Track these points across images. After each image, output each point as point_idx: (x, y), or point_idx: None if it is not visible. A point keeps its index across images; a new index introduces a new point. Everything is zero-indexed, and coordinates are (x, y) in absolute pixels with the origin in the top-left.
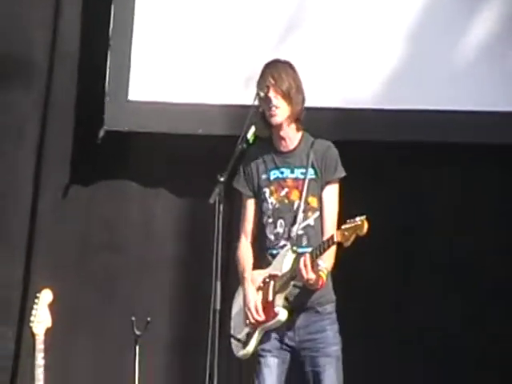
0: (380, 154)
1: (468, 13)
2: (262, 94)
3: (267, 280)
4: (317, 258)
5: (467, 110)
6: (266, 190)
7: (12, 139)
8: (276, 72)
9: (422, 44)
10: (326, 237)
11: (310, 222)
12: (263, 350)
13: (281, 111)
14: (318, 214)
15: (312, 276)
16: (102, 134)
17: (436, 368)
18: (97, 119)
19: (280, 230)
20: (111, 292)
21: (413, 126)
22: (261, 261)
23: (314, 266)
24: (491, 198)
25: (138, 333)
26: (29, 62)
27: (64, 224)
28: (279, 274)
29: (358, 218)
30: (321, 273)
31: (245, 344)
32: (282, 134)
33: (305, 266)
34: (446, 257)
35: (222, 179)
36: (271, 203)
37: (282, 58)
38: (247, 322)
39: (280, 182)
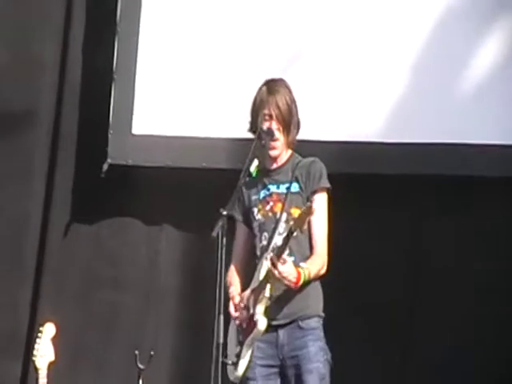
0: (384, 185)
1: (472, 45)
2: (264, 128)
3: (248, 297)
4: (281, 253)
5: (473, 144)
6: (255, 210)
7: (21, 174)
8: (279, 99)
9: (426, 77)
10: (315, 249)
11: None
12: (248, 378)
13: (280, 143)
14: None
15: (284, 269)
16: (105, 167)
17: None
18: (101, 153)
19: (264, 242)
20: (115, 326)
21: (418, 159)
22: None
23: (283, 261)
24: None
25: (141, 366)
26: (35, 98)
27: (70, 259)
28: (257, 284)
29: (307, 204)
30: (299, 269)
31: (236, 365)
32: (273, 155)
33: (272, 263)
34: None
35: (224, 212)
36: (258, 219)
37: None
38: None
39: (266, 199)
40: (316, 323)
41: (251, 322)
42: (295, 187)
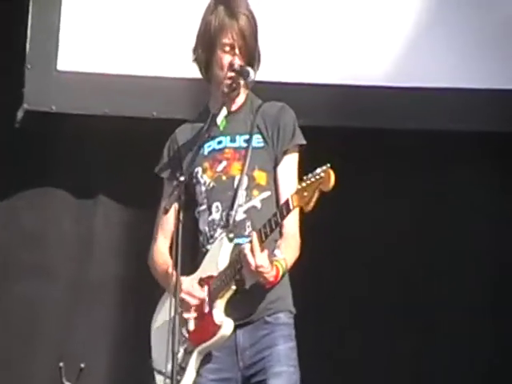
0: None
1: None
2: (237, 67)
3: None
4: (266, 236)
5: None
6: (199, 169)
7: None
8: (244, 25)
9: (430, 21)
10: (286, 227)
11: (256, 203)
12: None
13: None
14: (267, 194)
15: (262, 262)
16: (20, 115)
17: None
18: (14, 96)
19: (216, 215)
20: (36, 329)
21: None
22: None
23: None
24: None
25: (67, 383)
26: None
27: None
28: (215, 273)
29: (319, 170)
30: (276, 263)
31: (178, 380)
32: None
33: (251, 249)
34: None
35: (182, 178)
36: (204, 183)
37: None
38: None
39: (216, 155)
40: (287, 318)
41: (207, 324)
42: (258, 140)
